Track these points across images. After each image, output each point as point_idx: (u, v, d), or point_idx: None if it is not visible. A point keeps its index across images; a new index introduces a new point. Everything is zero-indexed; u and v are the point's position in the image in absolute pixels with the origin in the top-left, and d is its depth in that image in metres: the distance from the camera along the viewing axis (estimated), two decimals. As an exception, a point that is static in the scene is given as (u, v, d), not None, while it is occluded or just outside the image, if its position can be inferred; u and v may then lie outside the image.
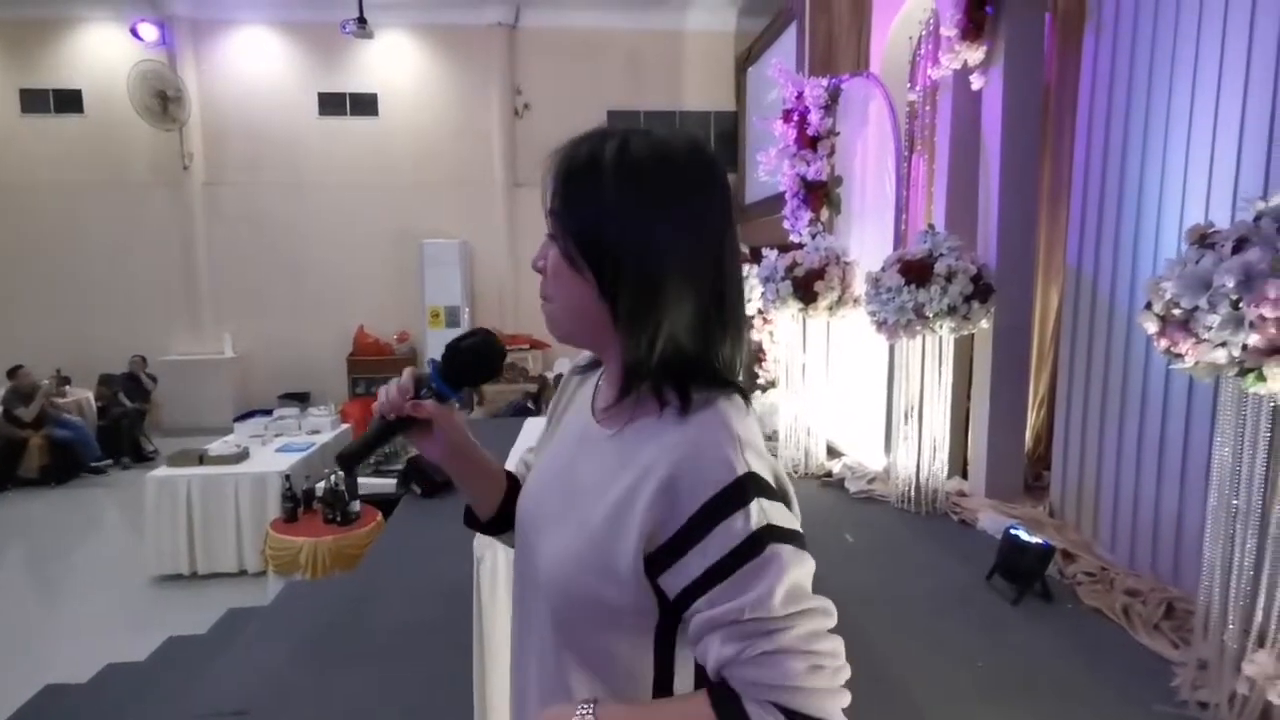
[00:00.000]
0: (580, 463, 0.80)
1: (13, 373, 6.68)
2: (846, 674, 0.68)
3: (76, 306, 8.60)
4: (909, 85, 4.80)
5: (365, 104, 8.81)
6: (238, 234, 8.78)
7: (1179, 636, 2.58)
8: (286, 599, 3.27)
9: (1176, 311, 2.09)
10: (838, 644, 0.69)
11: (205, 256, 8.76)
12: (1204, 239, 2.11)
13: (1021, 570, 2.97)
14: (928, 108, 4.59)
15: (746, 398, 0.75)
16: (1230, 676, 2.08)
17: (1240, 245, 1.95)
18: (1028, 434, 4.25)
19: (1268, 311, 1.81)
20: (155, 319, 8.68)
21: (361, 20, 7.01)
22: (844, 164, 5.21)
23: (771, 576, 0.66)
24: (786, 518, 0.70)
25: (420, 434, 0.88)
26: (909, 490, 4.01)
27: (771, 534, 0.67)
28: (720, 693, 0.67)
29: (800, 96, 5.21)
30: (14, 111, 8.44)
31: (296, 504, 3.93)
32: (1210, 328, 1.96)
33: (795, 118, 5.24)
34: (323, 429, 5.46)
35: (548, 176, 0.75)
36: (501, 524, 0.94)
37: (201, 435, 6.26)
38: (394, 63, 8.79)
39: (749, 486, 0.67)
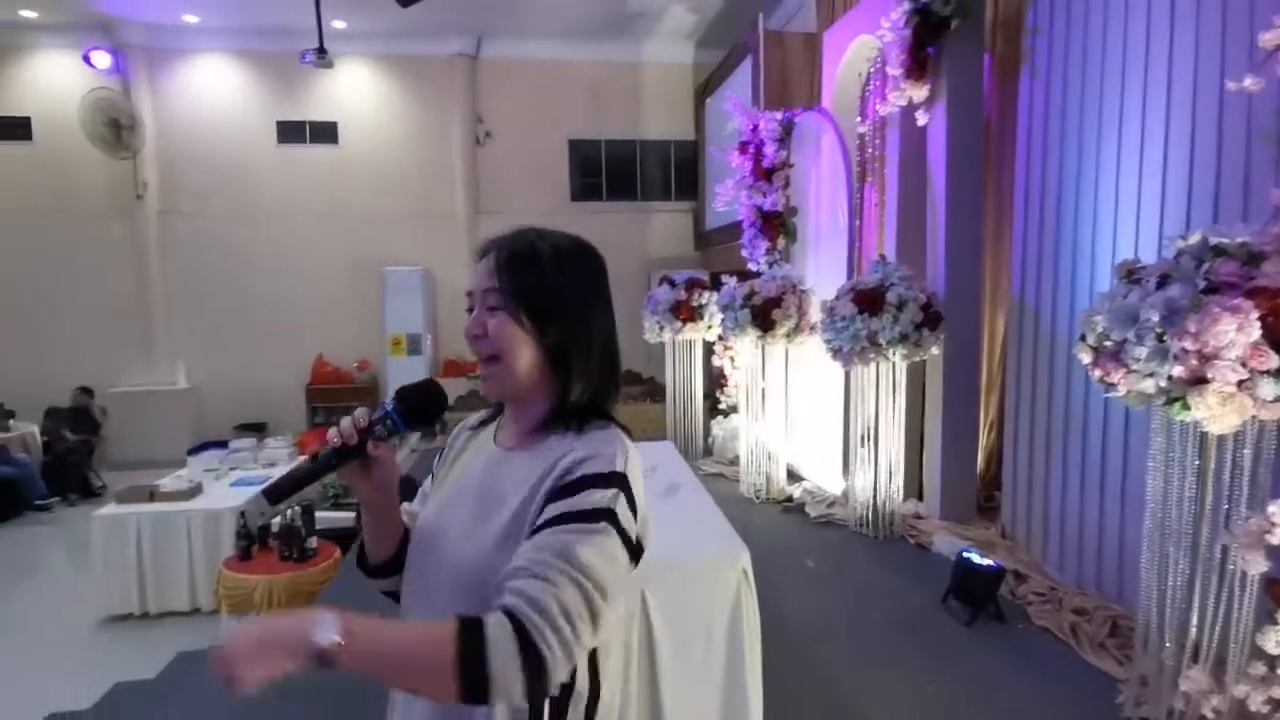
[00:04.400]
0: (488, 478, 0.98)
1: (-48, 408, 6.44)
2: (577, 655, 0.80)
3: (23, 338, 8.31)
4: (859, 119, 4.97)
5: (325, 132, 8.75)
6: (193, 263, 8.60)
7: (1123, 654, 2.67)
8: (240, 641, 3.19)
9: (1108, 343, 2.20)
10: (589, 635, 0.82)
11: (159, 286, 8.56)
12: (1131, 274, 2.23)
13: (975, 593, 3.05)
14: (877, 141, 4.76)
15: (630, 435, 0.97)
16: (1168, 692, 2.17)
17: (1164, 281, 2.07)
18: (979, 456, 4.37)
19: (1189, 344, 1.92)
20: (106, 350, 8.43)
21: (322, 50, 6.99)
22: (798, 195, 5.36)
23: (590, 542, 0.83)
24: (629, 521, 0.88)
25: (361, 471, 0.97)
26: (867, 514, 4.09)
27: (612, 518, 0.86)
28: (467, 617, 0.78)
29: (755, 129, 5.35)
30: (-43, 138, 8.20)
31: (251, 541, 3.84)
32: (1139, 359, 2.07)
33: (751, 150, 5.38)
34: (279, 461, 5.34)
35: (485, 264, 0.96)
36: (390, 568, 1.06)
37: (153, 468, 6.07)
38: (355, 92, 8.77)
39: (617, 481, 0.88)
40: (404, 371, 8.66)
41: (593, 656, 0.93)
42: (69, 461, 6.95)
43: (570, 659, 0.79)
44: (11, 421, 7.20)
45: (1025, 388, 3.58)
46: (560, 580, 0.80)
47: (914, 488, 4.33)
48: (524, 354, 0.94)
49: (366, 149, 8.83)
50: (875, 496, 4.07)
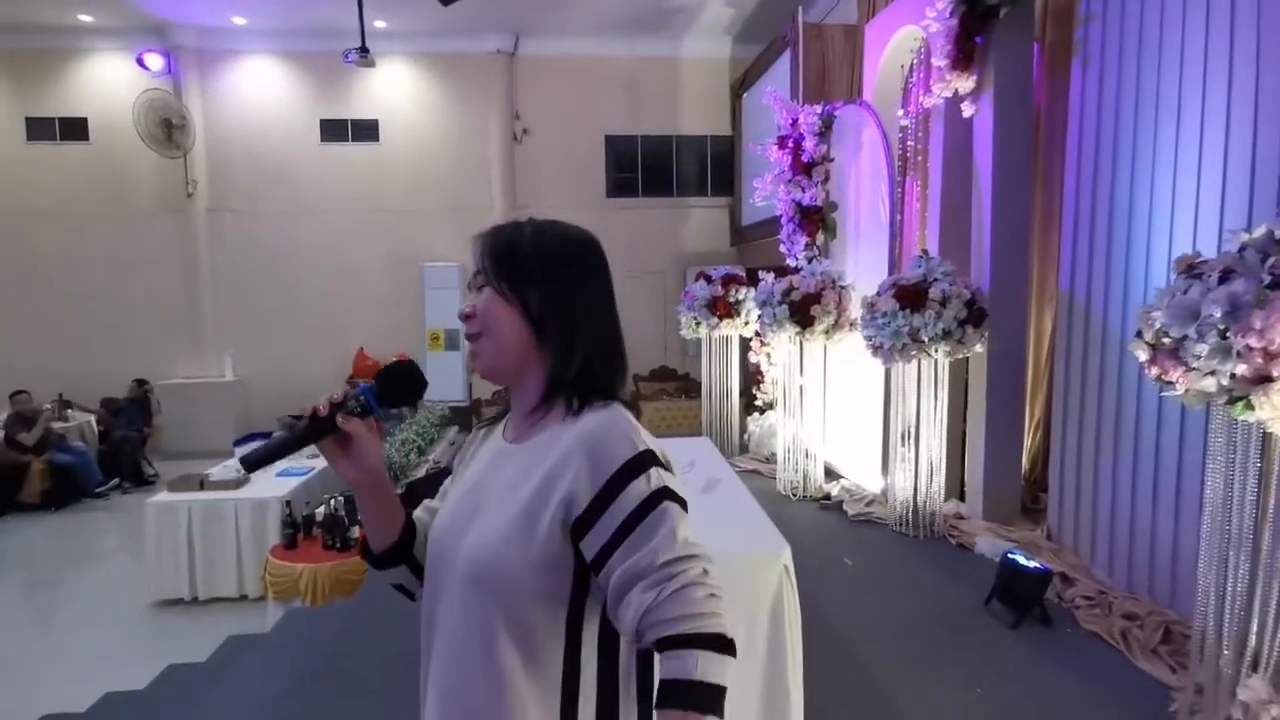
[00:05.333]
0: (493, 474, 0.98)
1: (14, 397, 6.70)
2: (722, 597, 0.86)
3: (79, 331, 8.64)
4: (901, 112, 4.88)
5: (366, 130, 8.91)
6: (240, 258, 8.85)
7: (1176, 661, 2.59)
8: (286, 627, 3.27)
9: (1166, 340, 2.13)
10: (716, 575, 0.87)
11: (208, 281, 8.82)
12: (1191, 269, 2.15)
13: (1020, 595, 2.98)
14: (920, 134, 4.67)
15: (630, 409, 0.96)
16: (1225, 701, 2.09)
17: (1226, 276, 2.00)
18: (1024, 457, 4.27)
19: (1254, 341, 1.84)
20: (157, 343, 8.72)
21: (364, 50, 7.11)
22: (838, 189, 5.29)
23: (670, 524, 0.85)
24: (675, 484, 0.90)
25: (338, 449, 0.97)
26: (907, 513, 4.03)
27: (666, 494, 0.87)
28: (666, 683, 0.81)
29: (795, 123, 5.29)
30: (19, 139, 8.53)
31: (296, 530, 3.94)
32: (1199, 356, 2.00)
33: (790, 144, 5.32)
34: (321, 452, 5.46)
35: (477, 250, 0.99)
36: (393, 558, 1.04)
37: (202, 458, 6.26)
38: (395, 90, 8.91)
39: (647, 459, 0.88)
40: (442, 366, 8.79)
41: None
42: (124, 450, 7.20)
43: (721, 603, 0.85)
44: (69, 412, 7.48)
45: (1074, 386, 3.49)
46: (674, 581, 0.83)
47: (955, 487, 4.25)
48: (508, 323, 0.95)
49: (406, 146, 8.97)
50: (915, 496, 4.00)
